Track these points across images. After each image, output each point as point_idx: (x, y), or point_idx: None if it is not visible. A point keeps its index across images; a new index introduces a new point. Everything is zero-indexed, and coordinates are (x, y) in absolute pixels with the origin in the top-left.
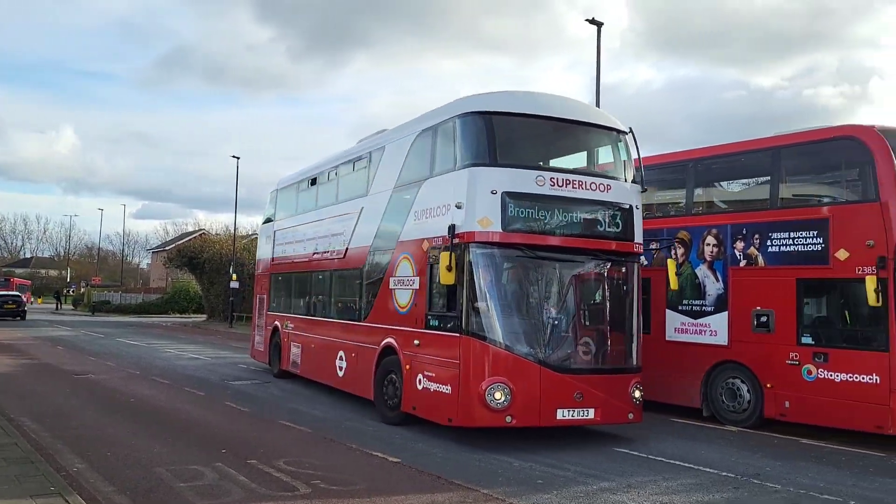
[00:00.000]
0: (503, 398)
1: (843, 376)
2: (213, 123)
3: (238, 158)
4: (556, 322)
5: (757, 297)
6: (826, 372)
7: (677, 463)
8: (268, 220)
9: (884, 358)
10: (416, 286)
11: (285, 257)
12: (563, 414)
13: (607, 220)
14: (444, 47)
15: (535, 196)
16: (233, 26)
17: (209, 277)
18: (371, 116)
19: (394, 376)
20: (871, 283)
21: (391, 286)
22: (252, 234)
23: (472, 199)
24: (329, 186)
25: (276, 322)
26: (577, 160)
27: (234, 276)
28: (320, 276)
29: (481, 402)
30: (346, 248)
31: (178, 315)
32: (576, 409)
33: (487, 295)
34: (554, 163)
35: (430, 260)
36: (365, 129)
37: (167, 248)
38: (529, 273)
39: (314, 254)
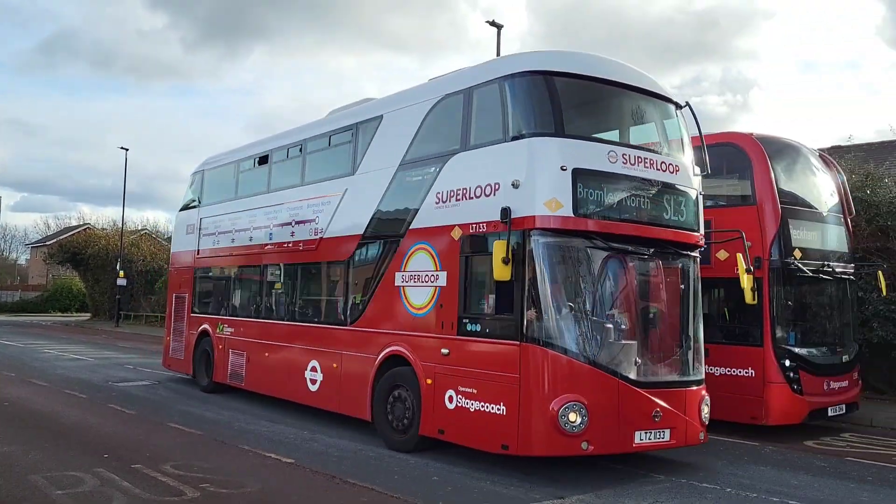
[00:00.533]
0: (579, 420)
1: (721, 370)
2: (101, 113)
3: (126, 150)
4: (631, 326)
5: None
6: (708, 367)
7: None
8: (188, 207)
9: (759, 353)
10: (442, 283)
11: (219, 249)
12: (640, 437)
13: (676, 208)
14: (345, 43)
15: (608, 175)
16: (123, 11)
17: (94, 274)
18: (270, 110)
19: (402, 392)
20: (747, 282)
21: (398, 283)
22: (141, 230)
23: (535, 177)
24: (290, 165)
25: (206, 326)
26: (640, 135)
27: (122, 273)
28: (277, 272)
29: (552, 426)
30: (320, 238)
31: (59, 314)
32: (653, 431)
33: (556, 293)
34: (607, 137)
35: (465, 251)
36: (264, 124)
37: (48, 242)
38: (601, 267)
39: (267, 245)
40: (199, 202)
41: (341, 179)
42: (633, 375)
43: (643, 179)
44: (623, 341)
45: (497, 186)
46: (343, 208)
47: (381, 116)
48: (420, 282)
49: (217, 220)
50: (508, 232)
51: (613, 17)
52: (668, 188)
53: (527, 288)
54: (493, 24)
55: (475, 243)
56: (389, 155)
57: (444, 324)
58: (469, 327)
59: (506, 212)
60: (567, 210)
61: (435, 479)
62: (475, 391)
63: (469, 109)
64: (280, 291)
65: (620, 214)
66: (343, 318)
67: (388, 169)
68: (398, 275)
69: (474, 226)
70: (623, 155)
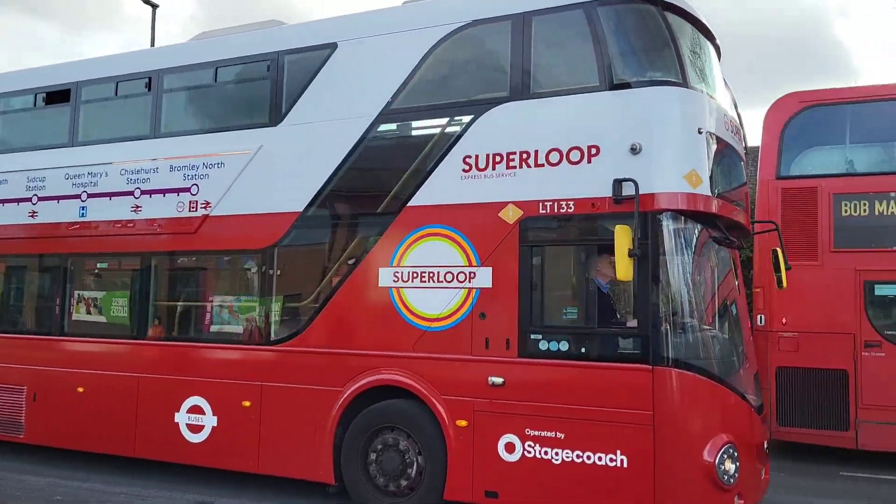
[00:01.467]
0: (733, 469)
1: None
2: None
3: None
4: (737, 337)
5: None
6: None
7: None
8: None
9: None
10: (482, 283)
11: None
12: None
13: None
14: None
15: (726, 146)
16: None
17: None
18: None
19: (397, 438)
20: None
21: (386, 283)
22: None
23: (666, 139)
24: (130, 107)
25: None
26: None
27: None
28: (105, 265)
29: (709, 481)
30: (205, 217)
31: None
32: (763, 469)
33: (696, 297)
34: None
35: (530, 239)
36: None
37: None
38: (720, 262)
39: (82, 224)
40: None
41: (249, 132)
42: (754, 402)
43: (737, 153)
44: (740, 358)
45: (594, 151)
46: (254, 173)
47: (335, 46)
48: (435, 281)
49: None
50: (636, 214)
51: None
52: (740, 164)
53: (659, 290)
54: (147, 2)
55: (555, 228)
56: (354, 101)
57: (491, 341)
58: (543, 345)
59: (628, 186)
60: (706, 188)
61: None
62: (561, 436)
63: (524, 42)
64: (113, 294)
65: (731, 196)
66: (261, 334)
67: (352, 120)
68: (386, 271)
69: (550, 204)
70: (726, 120)
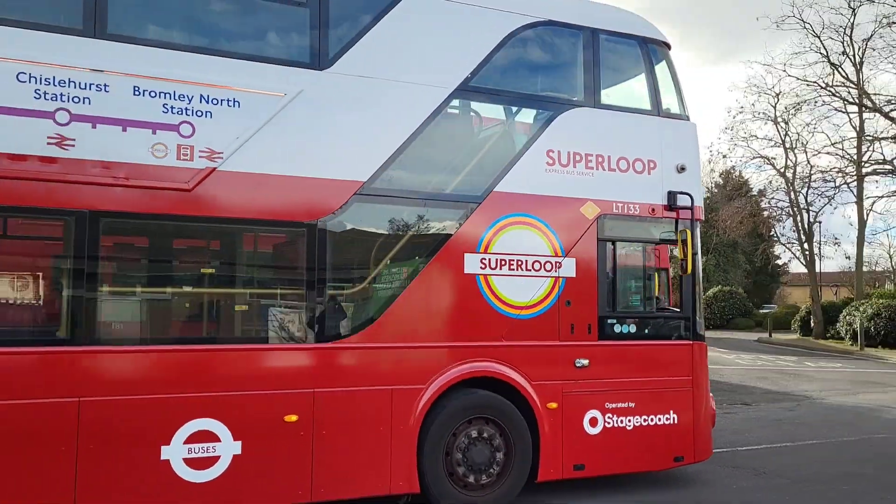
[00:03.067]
0: (714, 406)
1: None
2: None
3: None
4: None
5: None
6: None
7: None
8: None
9: None
10: (568, 272)
11: None
12: None
13: None
14: None
15: None
16: None
17: None
18: None
19: (486, 429)
20: None
21: (472, 269)
22: None
23: (697, 165)
24: None
25: None
26: None
27: None
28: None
29: (712, 420)
30: (211, 170)
31: None
32: None
33: (701, 286)
34: None
35: (606, 233)
36: None
37: None
38: None
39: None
40: None
41: (282, 70)
42: None
43: None
44: None
45: (652, 164)
46: (291, 124)
47: None
48: (524, 269)
49: None
50: (692, 222)
51: None
52: None
53: (694, 283)
54: None
55: (624, 227)
56: (429, 65)
57: (576, 327)
58: (617, 329)
59: (682, 198)
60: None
61: None
62: (633, 405)
63: (595, 57)
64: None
65: None
66: (310, 330)
67: (426, 88)
68: (473, 257)
69: (621, 205)
70: None
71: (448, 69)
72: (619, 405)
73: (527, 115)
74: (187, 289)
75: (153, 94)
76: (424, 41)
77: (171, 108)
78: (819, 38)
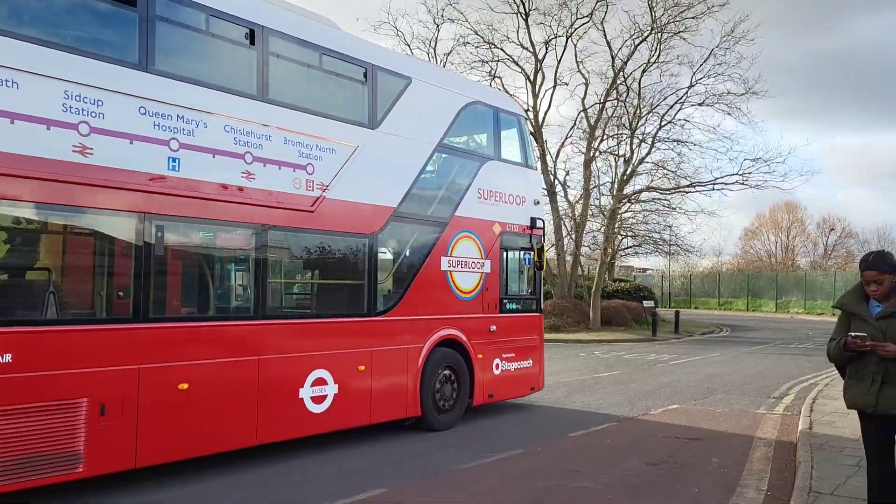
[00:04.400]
0: None
1: None
2: None
3: None
4: None
5: None
6: None
7: None
8: None
9: None
10: (487, 269)
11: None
12: None
13: None
14: None
15: None
16: None
17: None
18: None
19: (449, 373)
20: None
21: (444, 267)
22: None
23: (542, 199)
24: (227, 52)
25: None
26: None
27: None
28: (212, 234)
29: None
30: (321, 198)
31: None
32: None
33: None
34: None
35: (503, 245)
36: None
37: None
38: None
39: (176, 180)
40: None
41: (352, 128)
42: None
43: None
44: None
45: (523, 199)
46: (357, 167)
47: (410, 79)
48: (467, 267)
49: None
50: (542, 237)
51: None
52: None
53: (537, 274)
54: None
55: (511, 240)
56: (423, 128)
57: (489, 304)
58: (508, 306)
59: (535, 221)
60: None
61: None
62: (513, 355)
63: (497, 126)
64: (228, 272)
65: None
66: (366, 308)
67: (423, 143)
68: (443, 259)
69: (510, 226)
70: None
71: (433, 132)
72: (509, 356)
73: (470, 165)
74: (308, 280)
75: (294, 143)
76: (421, 112)
77: (303, 153)
78: (409, 46)
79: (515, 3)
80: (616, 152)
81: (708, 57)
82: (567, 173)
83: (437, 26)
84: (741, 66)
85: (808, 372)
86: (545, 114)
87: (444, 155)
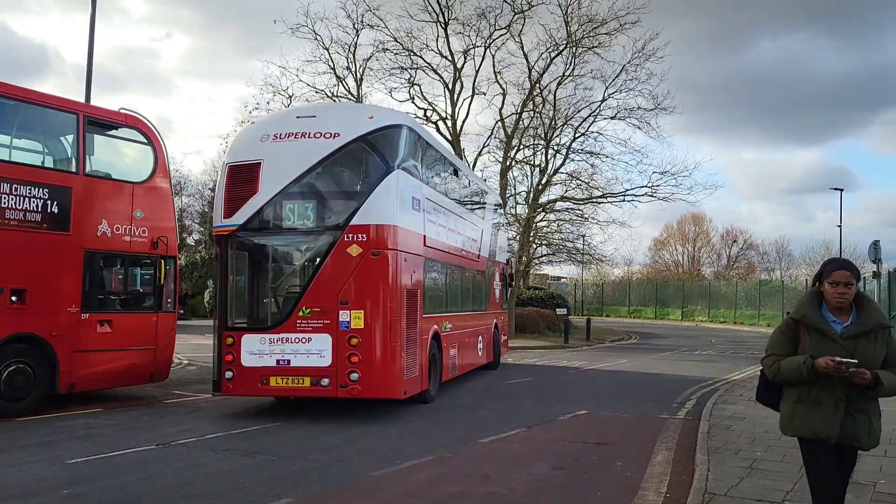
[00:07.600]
0: None
1: None
2: None
3: None
4: None
5: None
6: None
7: None
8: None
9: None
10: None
11: (439, 242)
12: None
13: None
14: None
15: None
16: None
17: None
18: None
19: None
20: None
21: (494, 285)
22: None
23: None
24: (454, 184)
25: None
26: None
27: None
28: (467, 273)
29: None
30: (478, 254)
31: None
32: None
33: None
34: None
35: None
36: None
37: None
38: None
39: (462, 250)
40: (417, 170)
41: (479, 220)
42: None
43: None
44: None
45: None
46: (482, 239)
47: (487, 192)
48: (498, 285)
49: (436, 207)
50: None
51: None
52: None
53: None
54: None
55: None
56: (486, 218)
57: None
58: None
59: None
60: None
61: None
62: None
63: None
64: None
65: None
66: (481, 305)
67: (486, 222)
68: (494, 282)
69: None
70: None
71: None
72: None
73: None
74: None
75: (471, 228)
76: (485, 210)
77: (473, 232)
78: (328, 50)
79: (435, 12)
80: (532, 162)
81: (620, 72)
82: (484, 181)
83: (357, 32)
84: (651, 82)
85: (709, 378)
86: (463, 122)
87: (488, 227)
